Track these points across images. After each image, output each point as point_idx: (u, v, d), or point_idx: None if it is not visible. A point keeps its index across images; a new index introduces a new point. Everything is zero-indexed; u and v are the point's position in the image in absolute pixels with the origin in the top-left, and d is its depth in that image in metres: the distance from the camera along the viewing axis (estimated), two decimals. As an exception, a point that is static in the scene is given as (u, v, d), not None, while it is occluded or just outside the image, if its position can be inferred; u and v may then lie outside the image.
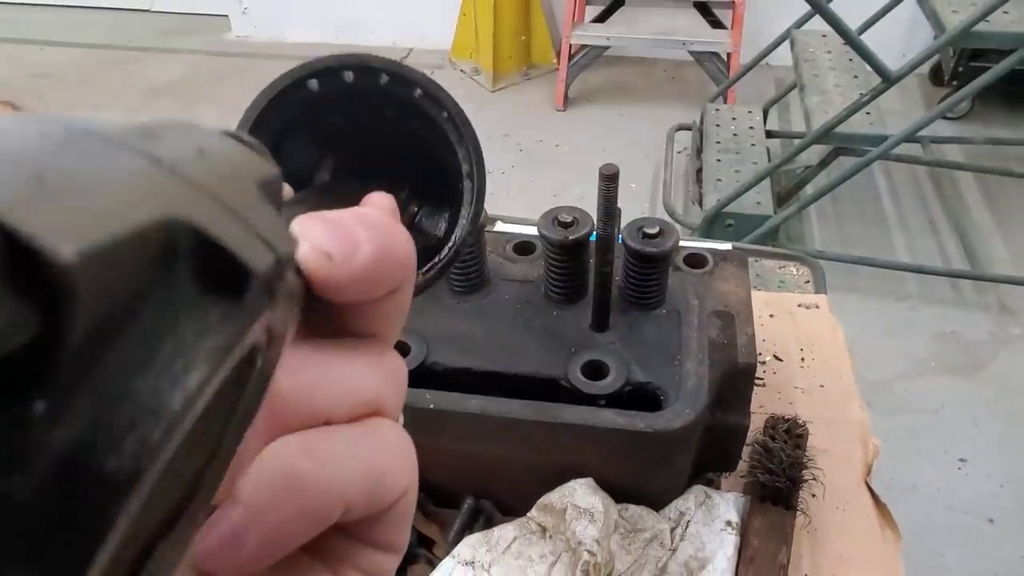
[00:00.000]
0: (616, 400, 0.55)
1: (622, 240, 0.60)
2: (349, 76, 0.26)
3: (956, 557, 1.76)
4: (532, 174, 2.94)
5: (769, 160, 2.59)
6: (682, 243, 0.65)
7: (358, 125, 0.28)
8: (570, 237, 0.58)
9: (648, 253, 0.58)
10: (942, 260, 2.52)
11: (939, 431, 2.04)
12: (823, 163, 2.42)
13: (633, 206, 2.77)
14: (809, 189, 2.48)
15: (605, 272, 0.56)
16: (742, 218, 2.37)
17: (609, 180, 0.50)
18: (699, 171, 2.63)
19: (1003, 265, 2.48)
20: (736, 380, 0.57)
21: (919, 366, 2.23)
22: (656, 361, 0.58)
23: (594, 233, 0.58)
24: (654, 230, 0.59)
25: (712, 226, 2.39)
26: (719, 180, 2.50)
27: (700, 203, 2.49)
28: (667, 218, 2.61)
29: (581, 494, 0.54)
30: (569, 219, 0.60)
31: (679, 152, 2.95)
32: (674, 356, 0.58)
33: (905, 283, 2.44)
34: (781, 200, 2.51)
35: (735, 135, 2.71)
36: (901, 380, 2.19)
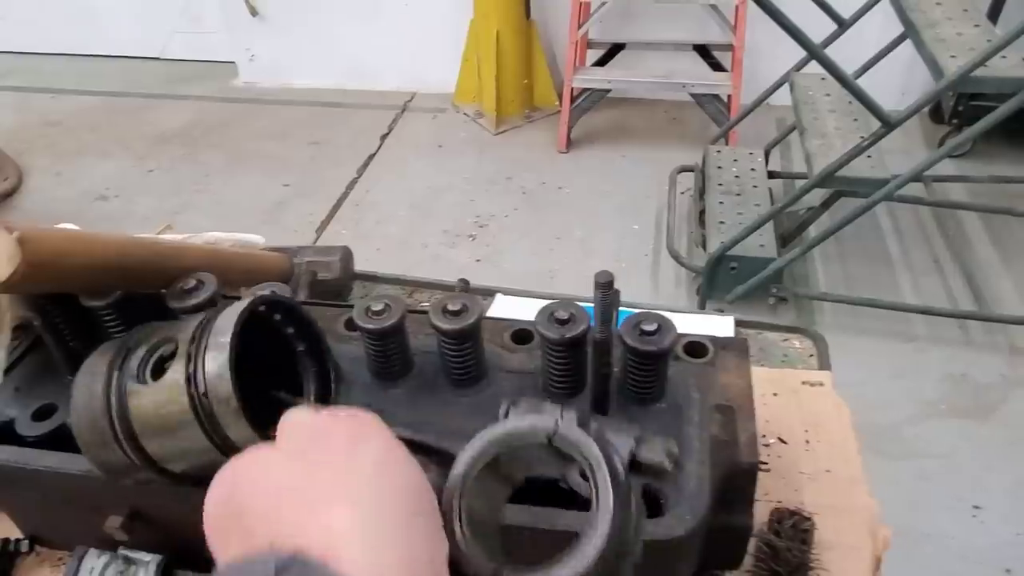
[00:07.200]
0: (616, 503, 0.54)
1: (619, 333, 0.59)
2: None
3: (973, 611, 1.72)
4: (535, 217, 2.95)
5: (772, 201, 2.59)
6: (681, 320, 0.64)
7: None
8: (567, 335, 0.58)
9: (646, 351, 0.57)
10: (949, 300, 2.50)
11: (951, 477, 2.00)
12: (825, 204, 2.42)
13: (637, 248, 2.77)
14: (812, 230, 2.48)
15: (604, 374, 0.56)
16: (746, 261, 2.37)
17: (604, 288, 0.50)
18: (702, 213, 2.64)
19: (1011, 304, 2.45)
20: (738, 480, 0.56)
21: (928, 409, 2.19)
22: (656, 460, 0.57)
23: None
24: (652, 327, 0.58)
25: (716, 269, 2.39)
26: (722, 223, 2.50)
27: (704, 246, 2.49)
28: (672, 260, 2.61)
29: (582, 602, 0.53)
30: (565, 316, 0.59)
31: (682, 193, 2.96)
32: (675, 455, 0.57)
33: (912, 324, 2.42)
34: (784, 241, 2.51)
35: (737, 177, 2.72)
36: (910, 424, 2.16)
